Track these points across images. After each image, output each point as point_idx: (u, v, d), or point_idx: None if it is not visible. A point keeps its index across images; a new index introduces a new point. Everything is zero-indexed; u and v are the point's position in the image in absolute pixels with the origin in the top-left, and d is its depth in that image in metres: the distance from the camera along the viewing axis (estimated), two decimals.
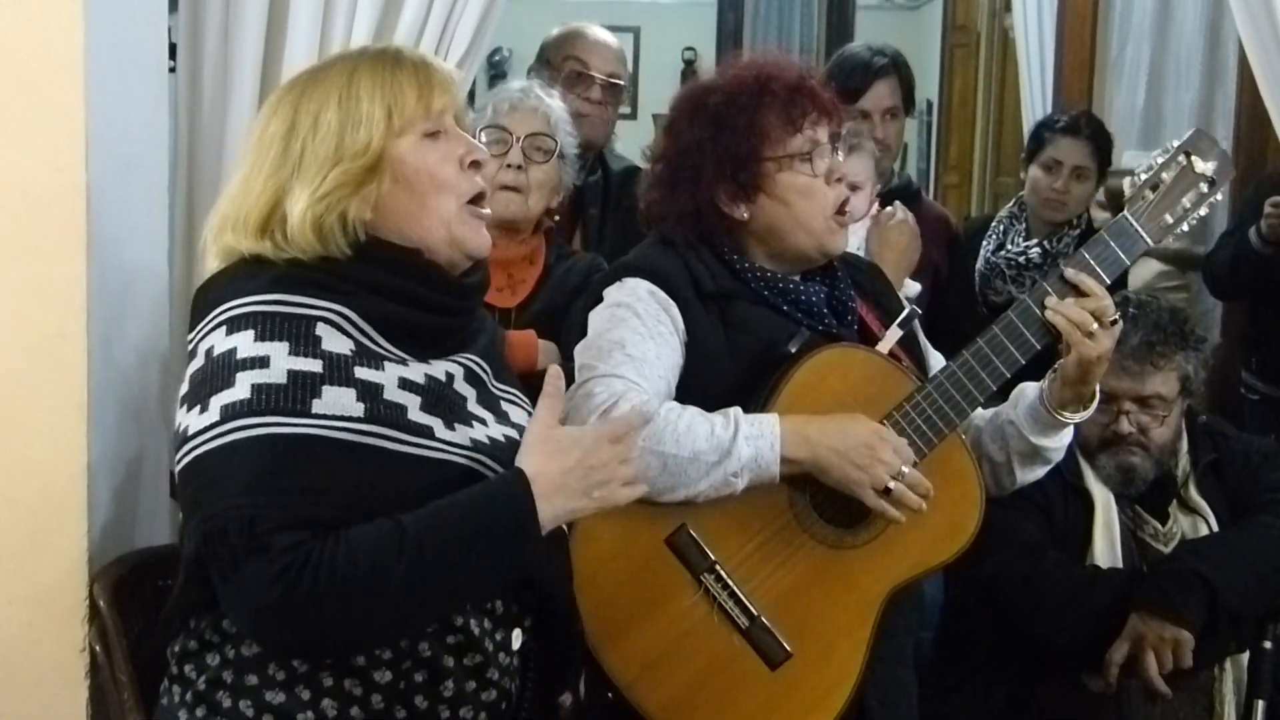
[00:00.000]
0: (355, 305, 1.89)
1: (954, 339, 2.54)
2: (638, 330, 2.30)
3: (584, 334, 2.37)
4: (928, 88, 8.77)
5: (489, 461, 1.92)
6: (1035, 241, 4.16)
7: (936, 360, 2.58)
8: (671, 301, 2.35)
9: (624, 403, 2.17)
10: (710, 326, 2.36)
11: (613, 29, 3.76)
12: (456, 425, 1.93)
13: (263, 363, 1.81)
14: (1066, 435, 2.50)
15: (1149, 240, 2.45)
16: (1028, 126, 5.06)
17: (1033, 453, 2.49)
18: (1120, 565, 2.88)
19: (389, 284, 1.93)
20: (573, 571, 2.05)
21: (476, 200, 2.01)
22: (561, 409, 1.96)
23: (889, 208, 3.31)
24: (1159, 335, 2.89)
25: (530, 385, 2.15)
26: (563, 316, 2.85)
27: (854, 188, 3.20)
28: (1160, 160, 2.47)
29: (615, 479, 1.90)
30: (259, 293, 1.86)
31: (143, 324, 2.51)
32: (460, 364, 2.01)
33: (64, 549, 2.30)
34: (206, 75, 2.58)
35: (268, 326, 1.83)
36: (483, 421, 1.99)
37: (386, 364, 1.89)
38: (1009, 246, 4.21)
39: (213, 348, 1.85)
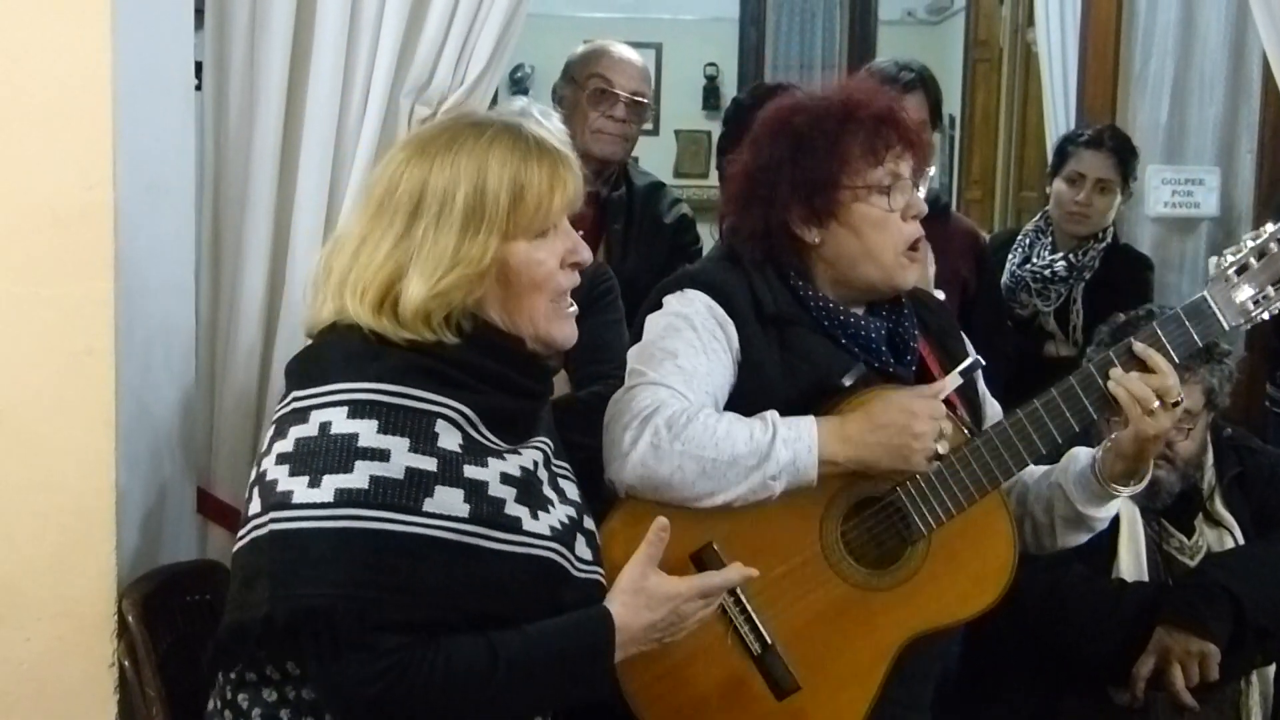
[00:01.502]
0: (469, 400, 1.93)
1: (981, 353, 2.52)
2: (692, 343, 2.29)
3: (639, 337, 2.36)
4: (950, 103, 8.72)
5: (559, 548, 1.98)
6: (1060, 255, 4.17)
7: (994, 409, 2.55)
8: (729, 319, 2.32)
9: (665, 409, 2.17)
10: (766, 349, 2.33)
11: (634, 45, 3.76)
12: (539, 514, 1.98)
13: (383, 456, 1.85)
14: (1114, 507, 2.44)
15: (1226, 324, 2.35)
16: (1050, 141, 5.06)
17: (1077, 520, 2.42)
18: (1146, 579, 2.88)
19: (495, 372, 1.97)
20: None
21: (567, 292, 2.05)
22: (659, 557, 2.04)
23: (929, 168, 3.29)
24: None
25: None
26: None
27: None
28: (1251, 244, 2.36)
29: (688, 626, 2.04)
30: (384, 380, 1.89)
31: (170, 342, 2.52)
32: (539, 449, 2.05)
33: (93, 565, 2.31)
34: (232, 94, 2.59)
35: (391, 420, 1.87)
36: (553, 504, 2.03)
37: (490, 459, 1.94)
38: (1034, 260, 4.22)
39: (330, 424, 1.88)
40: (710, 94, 11.04)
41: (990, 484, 2.31)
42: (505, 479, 1.94)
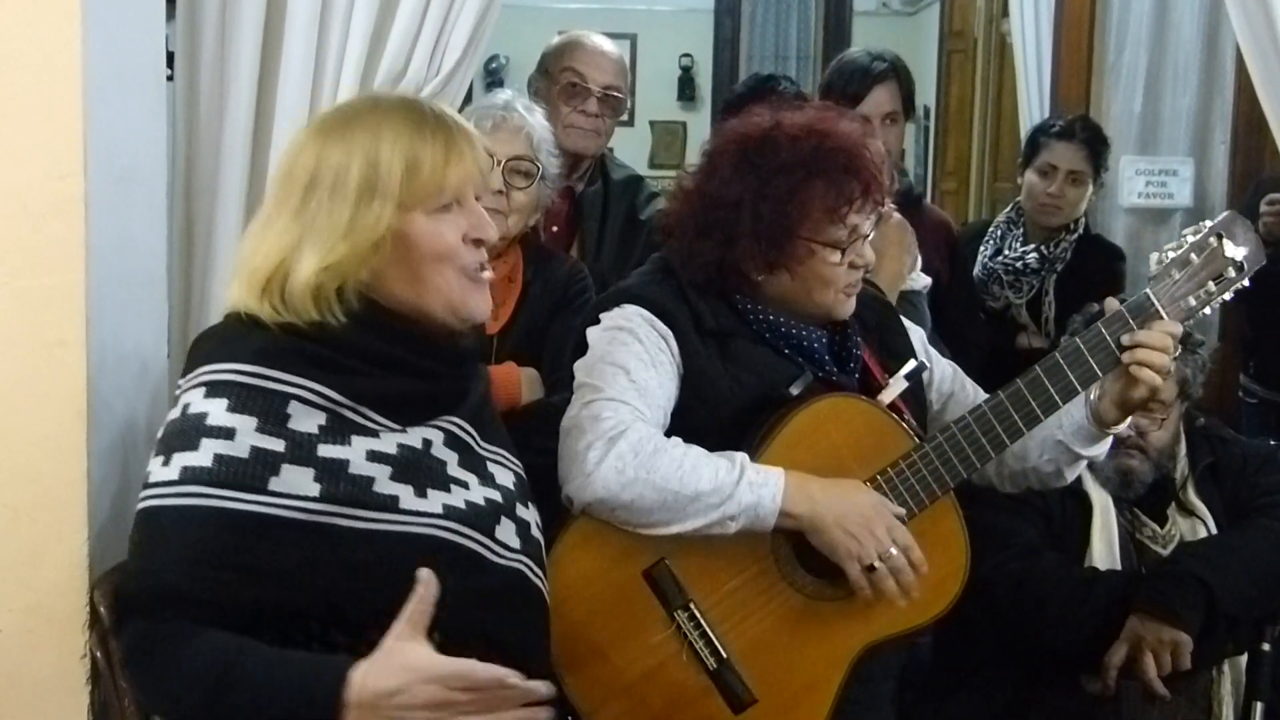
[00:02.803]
0: (340, 383, 1.91)
1: (954, 345, 2.54)
2: (640, 356, 2.28)
3: (582, 350, 2.35)
4: (925, 94, 8.77)
5: (461, 528, 1.93)
6: (1033, 247, 4.18)
7: (970, 391, 2.59)
8: (670, 331, 2.32)
9: (632, 433, 2.17)
10: (708, 360, 2.34)
11: (609, 36, 3.71)
12: (430, 492, 1.94)
13: (229, 434, 1.86)
14: (1108, 442, 2.54)
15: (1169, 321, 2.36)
16: (1025, 132, 5.07)
17: (1077, 460, 2.53)
18: (1118, 568, 2.89)
19: (385, 353, 1.95)
20: (548, 639, 2.05)
21: (478, 267, 2.02)
22: (425, 623, 1.80)
23: (885, 208, 3.30)
24: None
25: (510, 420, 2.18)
26: (543, 337, 2.85)
27: None
28: (1191, 239, 2.38)
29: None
30: (243, 361, 1.90)
31: (142, 332, 2.51)
32: (441, 429, 2.01)
33: (64, 556, 2.30)
34: (204, 83, 2.58)
35: (242, 399, 1.88)
36: (464, 485, 1.99)
37: (356, 438, 1.91)
38: (1006, 252, 4.23)
39: (189, 405, 1.90)
40: (685, 85, 11.06)
41: (940, 489, 2.32)
42: (374, 456, 1.91)
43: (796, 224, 2.32)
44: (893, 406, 2.38)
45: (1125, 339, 2.34)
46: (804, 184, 2.31)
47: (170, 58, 2.62)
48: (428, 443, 1.98)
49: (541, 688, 1.82)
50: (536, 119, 2.97)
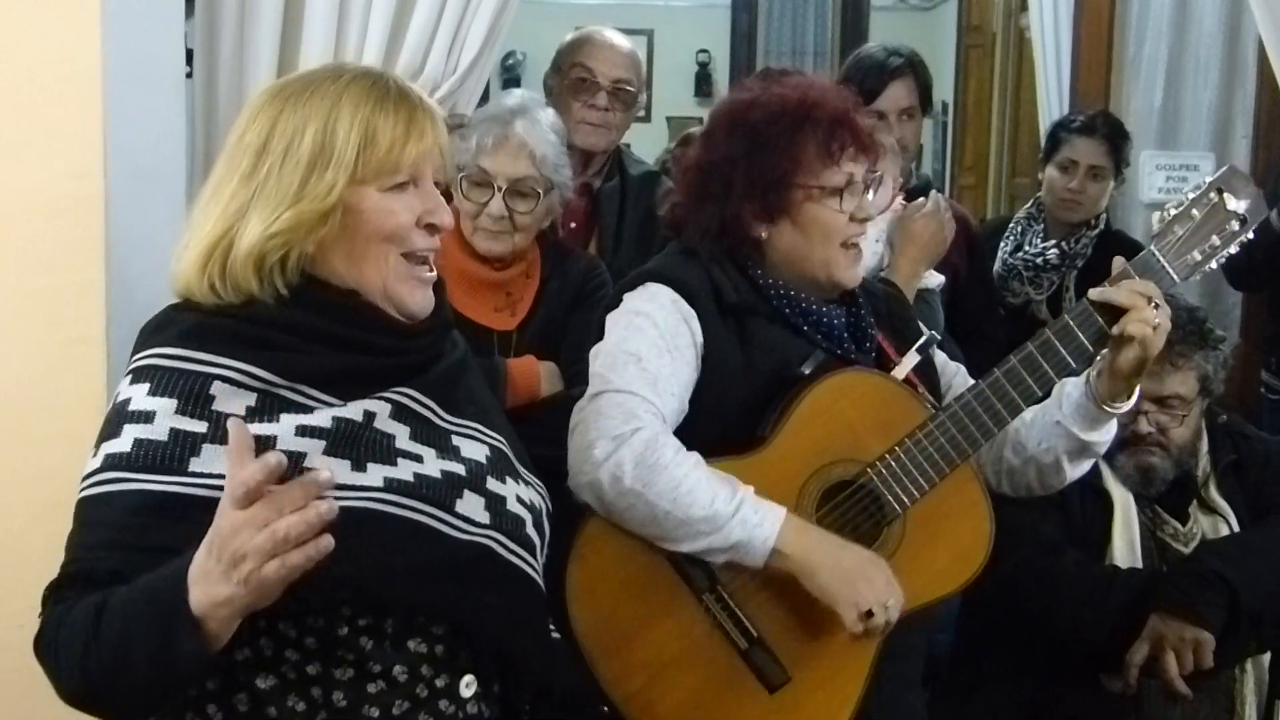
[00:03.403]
0: (268, 360, 1.84)
1: (973, 341, 2.53)
2: (655, 343, 2.28)
3: (600, 337, 2.35)
4: (942, 89, 8.76)
5: (406, 500, 1.84)
6: (1053, 242, 4.16)
7: (961, 380, 2.57)
8: (693, 313, 2.32)
9: (637, 438, 2.16)
10: (727, 342, 2.34)
11: (625, 32, 3.71)
12: (369, 465, 1.85)
13: (148, 418, 1.80)
14: (1112, 428, 2.48)
15: (1175, 277, 2.39)
16: (1044, 127, 5.05)
17: (1081, 449, 2.46)
18: (1140, 566, 2.88)
19: (320, 329, 1.88)
20: (543, 617, 2.01)
21: (425, 258, 1.94)
22: (246, 477, 1.60)
23: (920, 198, 3.30)
24: (1178, 335, 2.87)
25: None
26: (562, 330, 2.85)
27: None
28: (1191, 196, 2.41)
29: (251, 552, 1.57)
30: (167, 345, 1.84)
31: None
32: (388, 400, 1.92)
33: None
34: (222, 81, 2.59)
35: (162, 382, 1.82)
36: (416, 459, 1.90)
37: (286, 415, 1.84)
38: (1026, 248, 4.21)
39: (119, 394, 1.86)
40: (702, 80, 11.05)
41: (959, 456, 2.33)
42: (304, 431, 1.82)
43: (791, 171, 2.34)
44: (907, 380, 2.40)
45: (1093, 294, 2.35)
46: (796, 132, 2.34)
47: (189, 55, 2.62)
48: (370, 415, 1.89)
49: (323, 472, 1.63)
50: (539, 133, 2.91)
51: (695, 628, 2.24)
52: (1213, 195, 2.39)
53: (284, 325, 1.86)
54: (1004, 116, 8.01)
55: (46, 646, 1.79)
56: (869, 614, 2.18)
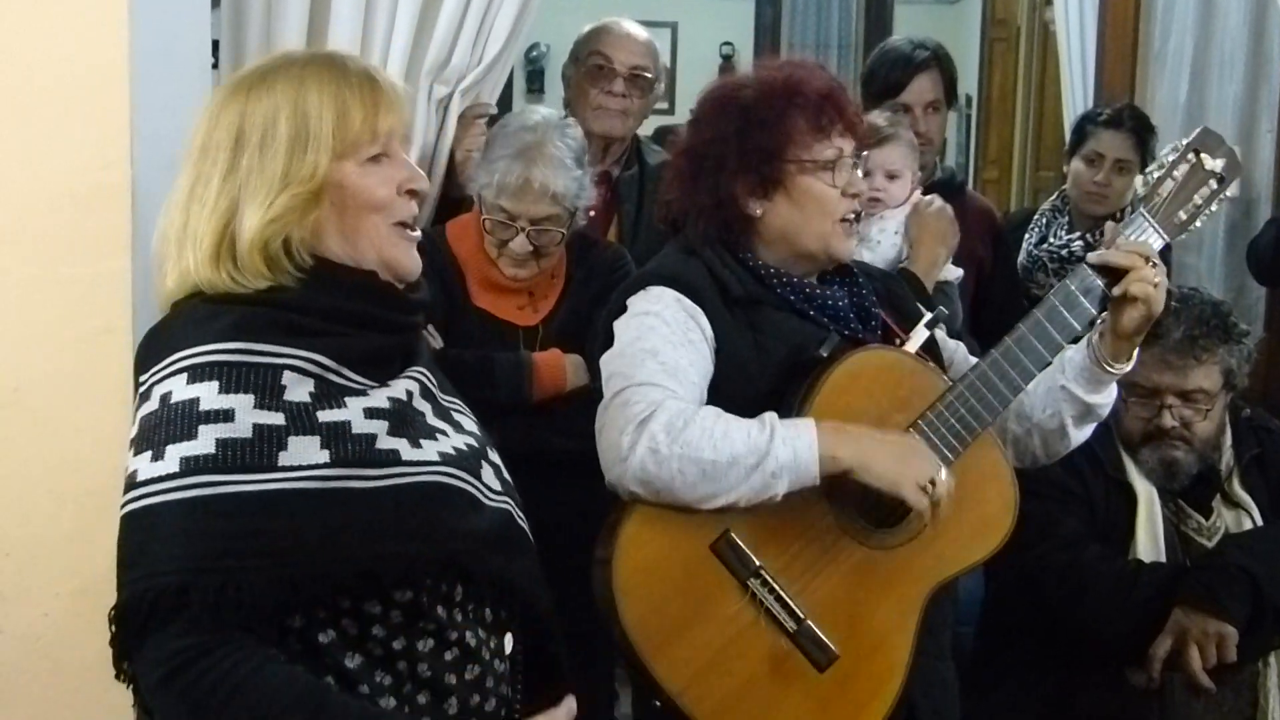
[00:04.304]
0: (322, 346, 1.86)
1: (999, 333, 2.53)
2: (668, 338, 2.29)
3: (609, 344, 2.35)
4: (967, 82, 8.73)
5: (458, 472, 1.90)
6: (1078, 235, 4.14)
7: (962, 355, 2.59)
8: (699, 309, 2.33)
9: (661, 412, 2.16)
10: (738, 333, 2.35)
11: (649, 25, 3.73)
12: (423, 441, 1.90)
13: (228, 416, 1.76)
14: (1113, 390, 2.52)
15: (1165, 237, 2.46)
16: (1068, 120, 5.04)
17: (1086, 411, 2.49)
18: (1163, 560, 2.87)
19: (347, 310, 1.90)
20: (541, 575, 2.03)
21: (409, 222, 1.98)
22: None
23: (927, 195, 3.30)
24: (1201, 329, 2.87)
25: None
26: (587, 323, 2.85)
27: (891, 176, 3.21)
28: (1171, 159, 2.48)
29: None
30: (223, 339, 1.81)
31: None
32: (415, 379, 1.97)
33: (110, 541, 2.29)
34: None
35: (233, 378, 1.78)
36: (444, 433, 1.96)
37: (349, 399, 1.85)
38: (1051, 240, 4.20)
39: (170, 394, 1.79)
40: (726, 74, 11.00)
41: (980, 424, 2.35)
42: (372, 413, 1.85)
43: (784, 145, 2.37)
44: (918, 355, 2.42)
45: (1092, 257, 2.43)
46: (785, 109, 2.38)
47: (215, 46, 2.63)
48: (410, 394, 1.94)
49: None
50: (560, 171, 2.89)
51: (742, 615, 2.24)
52: (1190, 156, 2.48)
53: (318, 311, 1.88)
54: (1028, 110, 7.99)
55: (185, 679, 1.69)
56: (929, 486, 2.22)
